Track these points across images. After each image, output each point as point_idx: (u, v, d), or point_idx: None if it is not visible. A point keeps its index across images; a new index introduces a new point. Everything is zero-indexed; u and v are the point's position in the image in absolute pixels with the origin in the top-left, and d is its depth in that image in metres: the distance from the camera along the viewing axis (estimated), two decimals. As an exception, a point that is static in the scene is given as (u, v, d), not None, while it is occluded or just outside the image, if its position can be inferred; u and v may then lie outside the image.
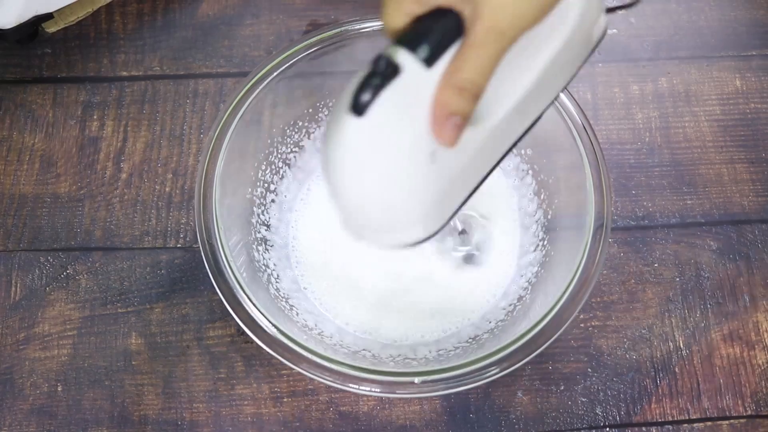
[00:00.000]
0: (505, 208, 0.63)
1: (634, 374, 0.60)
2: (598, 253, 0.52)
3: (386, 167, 0.38)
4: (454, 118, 0.37)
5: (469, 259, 0.61)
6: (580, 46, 0.43)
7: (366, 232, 0.43)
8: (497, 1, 0.36)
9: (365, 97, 0.36)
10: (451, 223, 0.46)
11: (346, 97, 0.37)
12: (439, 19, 0.38)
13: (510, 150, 0.44)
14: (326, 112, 0.62)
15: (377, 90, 0.36)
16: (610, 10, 0.72)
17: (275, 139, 0.61)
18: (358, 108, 0.36)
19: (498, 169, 0.63)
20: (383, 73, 0.36)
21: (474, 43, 0.37)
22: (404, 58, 0.37)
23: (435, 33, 0.37)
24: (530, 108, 0.43)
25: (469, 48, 0.37)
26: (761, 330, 0.61)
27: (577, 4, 0.41)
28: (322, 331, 0.57)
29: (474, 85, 0.37)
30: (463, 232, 0.60)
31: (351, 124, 0.37)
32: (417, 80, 0.37)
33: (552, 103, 0.45)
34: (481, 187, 0.45)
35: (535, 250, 0.59)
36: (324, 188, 0.41)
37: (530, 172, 0.61)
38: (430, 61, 0.37)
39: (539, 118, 0.45)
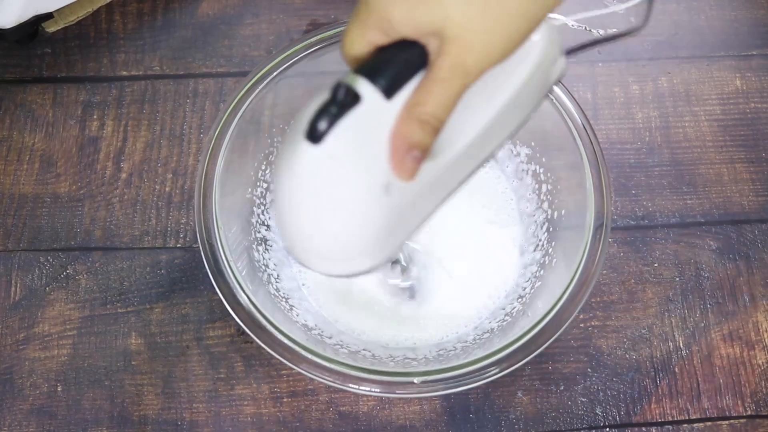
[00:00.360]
0: (505, 208, 0.63)
1: (634, 374, 0.60)
2: (598, 253, 0.52)
3: (338, 198, 0.38)
4: (414, 151, 0.37)
5: (409, 293, 0.60)
6: (538, 86, 0.43)
7: (311, 260, 0.42)
8: (465, 39, 0.36)
9: (322, 125, 0.36)
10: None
11: (302, 123, 0.37)
12: (403, 51, 0.37)
13: (458, 186, 0.44)
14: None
15: (335, 118, 0.36)
16: (606, 39, 0.72)
17: (275, 139, 0.61)
18: (315, 136, 0.36)
19: (497, 169, 0.64)
20: (342, 101, 0.36)
21: (438, 77, 0.37)
22: (364, 88, 0.36)
23: (397, 65, 0.37)
24: (485, 145, 0.43)
25: (432, 82, 0.37)
26: (761, 330, 0.61)
27: (538, 44, 0.41)
28: (322, 331, 0.57)
29: (436, 119, 0.37)
30: (406, 266, 0.59)
31: (306, 151, 0.36)
32: (375, 111, 0.37)
33: (504, 142, 0.44)
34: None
35: (534, 250, 0.59)
36: None
37: (530, 172, 0.61)
38: (390, 92, 0.37)
39: (491, 156, 0.44)
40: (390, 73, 0.37)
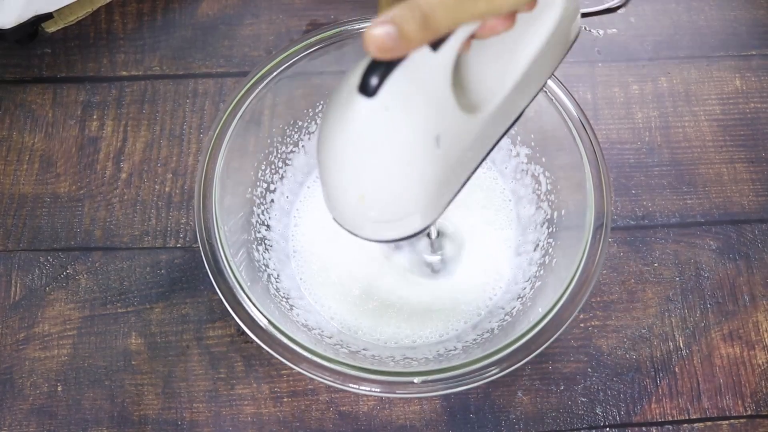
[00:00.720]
0: (504, 208, 0.63)
1: (634, 374, 0.60)
2: (598, 253, 0.52)
3: (393, 151, 0.38)
4: (390, 27, 0.34)
5: (437, 267, 0.61)
6: (560, 43, 0.44)
7: (363, 224, 0.42)
8: None
9: (375, 78, 0.36)
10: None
11: (353, 79, 0.37)
12: None
13: (499, 141, 0.45)
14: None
15: (387, 71, 0.36)
16: (600, 12, 0.72)
17: (275, 139, 0.61)
18: (368, 89, 0.36)
19: (496, 169, 0.64)
20: None
21: None
22: None
23: None
24: (518, 99, 0.44)
25: None
26: (761, 330, 0.61)
27: (558, 4, 0.42)
28: (322, 331, 0.57)
29: (431, 8, 0.34)
30: (437, 237, 0.60)
31: (360, 104, 0.37)
32: (423, 63, 0.37)
33: (534, 97, 0.46)
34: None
35: (534, 250, 0.59)
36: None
37: (529, 172, 0.61)
38: (436, 45, 0.37)
39: (524, 111, 0.46)
40: None
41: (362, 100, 0.37)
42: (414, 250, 0.61)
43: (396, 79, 0.36)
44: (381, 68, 0.36)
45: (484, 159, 0.45)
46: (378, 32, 0.34)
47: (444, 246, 0.61)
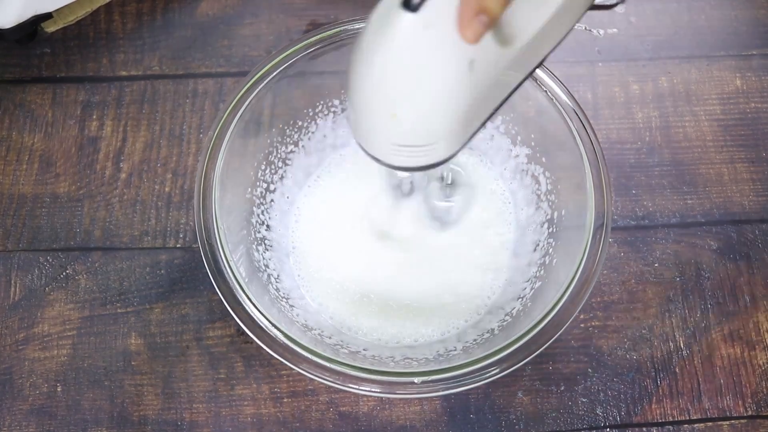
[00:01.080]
0: (503, 208, 0.63)
1: (635, 374, 0.60)
2: (599, 253, 0.52)
3: (431, 69, 0.38)
4: (483, 16, 0.37)
5: (446, 217, 0.60)
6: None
7: (388, 148, 0.42)
8: None
9: None
10: (440, 171, 0.46)
11: None
12: None
13: (522, 83, 0.46)
14: (326, 112, 0.62)
15: None
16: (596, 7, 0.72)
17: (275, 139, 0.61)
18: (412, 4, 0.36)
19: (495, 169, 0.64)
20: None
21: None
22: None
23: None
24: (542, 44, 0.45)
25: None
26: (762, 330, 0.61)
27: None
28: (322, 331, 0.57)
29: None
30: (450, 184, 0.60)
31: (402, 19, 0.37)
32: None
33: (560, 43, 0.46)
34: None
35: (534, 251, 0.59)
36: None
37: (530, 171, 0.61)
38: None
39: (548, 55, 0.46)
40: None
41: (404, 15, 0.37)
42: (425, 196, 0.60)
43: None
44: None
45: (507, 97, 0.45)
46: (477, 26, 0.37)
47: (455, 194, 0.60)
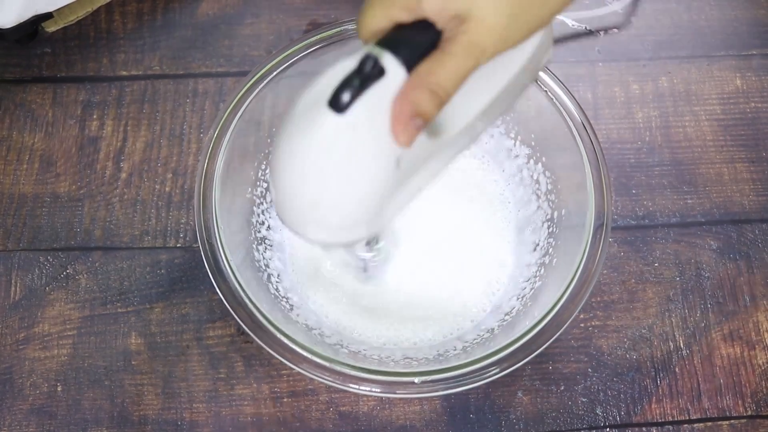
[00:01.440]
0: (503, 208, 0.63)
1: (635, 374, 0.60)
2: (599, 253, 0.52)
3: (354, 168, 0.38)
4: (418, 119, 0.37)
5: (368, 266, 0.59)
6: (531, 72, 0.45)
7: (308, 228, 0.42)
8: (489, 21, 0.37)
9: (347, 95, 0.36)
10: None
11: (322, 90, 0.37)
12: (422, 30, 0.38)
13: (447, 165, 0.45)
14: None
15: (360, 90, 0.36)
16: (591, 32, 0.72)
17: (275, 139, 0.61)
18: (339, 105, 0.36)
19: (496, 168, 0.64)
20: (369, 73, 0.36)
21: (454, 52, 0.37)
22: (389, 61, 0.37)
23: (419, 41, 0.38)
24: (482, 122, 0.45)
25: (447, 55, 0.37)
26: (761, 330, 0.61)
27: (536, 35, 0.42)
28: (322, 331, 0.57)
29: (444, 92, 0.37)
30: (374, 241, 0.59)
31: (328, 119, 0.37)
32: (396, 85, 0.37)
33: (490, 125, 0.47)
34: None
35: (534, 250, 0.59)
36: None
37: (530, 171, 0.61)
38: (411, 68, 0.37)
39: (477, 137, 0.46)
40: (413, 48, 0.37)
41: (330, 116, 0.36)
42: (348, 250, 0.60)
43: (367, 99, 0.36)
44: (354, 86, 0.36)
45: (435, 177, 0.45)
46: (411, 130, 0.37)
47: (377, 245, 0.60)
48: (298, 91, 0.39)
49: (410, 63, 0.37)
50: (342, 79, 0.36)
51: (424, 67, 0.37)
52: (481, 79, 0.41)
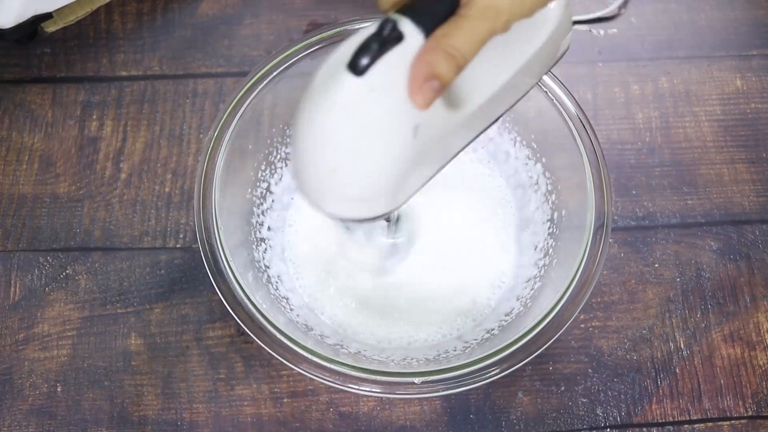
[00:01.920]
0: (503, 208, 0.63)
1: (635, 375, 0.60)
2: (599, 254, 0.52)
3: (372, 132, 0.39)
4: (435, 82, 0.37)
5: (392, 252, 0.60)
6: (548, 55, 0.45)
7: (327, 200, 0.42)
8: None
9: (366, 58, 0.36)
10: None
11: (342, 55, 0.37)
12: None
13: (471, 142, 0.46)
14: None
15: (379, 53, 0.36)
16: (590, 21, 0.72)
17: (275, 139, 0.61)
18: (358, 67, 0.36)
19: (496, 168, 0.64)
20: (387, 37, 0.36)
21: (471, 15, 0.37)
22: (407, 27, 0.37)
23: (437, 9, 0.38)
24: (500, 103, 0.45)
25: (464, 19, 0.38)
26: (762, 330, 0.61)
27: (555, 13, 0.43)
28: (322, 332, 0.57)
29: (461, 55, 0.37)
30: (396, 222, 0.59)
31: (347, 82, 0.37)
32: (413, 51, 0.37)
33: (513, 105, 0.47)
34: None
35: (535, 251, 0.59)
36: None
37: (530, 172, 0.61)
38: (429, 34, 0.38)
39: (501, 116, 0.47)
40: (431, 14, 0.38)
41: (349, 77, 0.37)
42: (369, 234, 0.60)
43: (386, 62, 0.37)
44: (373, 49, 0.36)
45: (453, 157, 0.45)
46: (427, 92, 0.37)
47: (399, 232, 0.60)
48: (322, 59, 0.40)
49: (428, 28, 0.37)
50: (361, 42, 0.37)
51: (441, 31, 0.37)
52: (499, 55, 0.42)
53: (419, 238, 0.61)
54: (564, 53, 0.47)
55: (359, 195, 0.41)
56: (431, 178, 0.45)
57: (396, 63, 0.37)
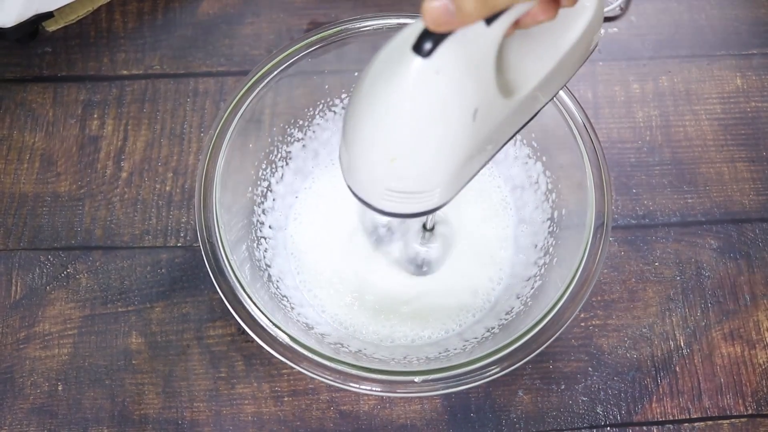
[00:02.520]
0: (503, 207, 0.63)
1: (635, 373, 0.60)
2: (599, 252, 0.52)
3: (436, 115, 0.38)
4: (448, 1, 0.35)
5: (423, 261, 0.60)
6: (584, 48, 0.46)
7: (383, 189, 0.41)
8: None
9: (431, 40, 0.36)
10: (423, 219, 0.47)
11: (407, 38, 0.37)
12: None
13: (516, 133, 0.46)
14: (326, 112, 0.62)
15: (443, 35, 0.36)
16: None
17: (276, 138, 0.61)
18: (424, 49, 0.36)
19: (496, 167, 0.64)
20: None
21: None
22: None
23: None
24: (545, 91, 0.45)
25: None
26: (762, 329, 0.61)
27: (591, 8, 0.44)
28: (323, 330, 0.57)
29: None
30: (431, 230, 0.59)
31: (413, 63, 0.37)
32: (476, 35, 0.37)
33: (556, 94, 0.48)
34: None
35: (534, 249, 0.59)
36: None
37: (530, 171, 0.61)
38: (489, 20, 0.37)
39: (540, 109, 0.47)
40: None
41: (416, 59, 0.37)
42: (404, 241, 0.60)
43: (450, 44, 0.36)
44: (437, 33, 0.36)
45: (499, 149, 0.46)
46: (436, 5, 0.35)
47: (435, 241, 0.60)
48: (382, 44, 0.39)
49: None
50: (424, 26, 0.36)
51: None
52: (543, 46, 0.43)
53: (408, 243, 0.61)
54: (596, 47, 0.47)
55: (418, 185, 0.41)
56: (478, 171, 0.45)
57: (460, 44, 0.37)
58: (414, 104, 0.38)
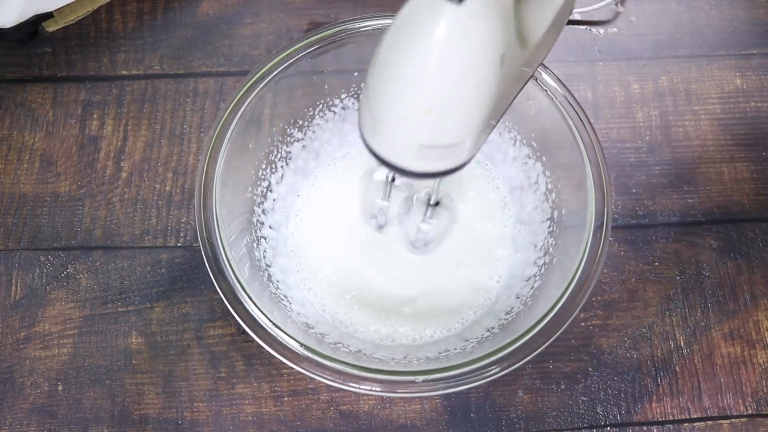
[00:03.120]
0: (503, 207, 0.63)
1: (635, 373, 0.60)
2: (599, 252, 0.52)
3: (472, 61, 0.38)
4: None
5: (426, 239, 0.60)
6: (567, 11, 0.47)
7: (414, 145, 0.40)
8: None
9: None
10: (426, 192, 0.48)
11: None
12: None
13: (522, 87, 0.47)
14: (326, 112, 0.62)
15: None
16: (590, 22, 0.72)
17: (275, 138, 0.61)
18: None
19: (495, 167, 0.64)
20: None
21: None
22: None
23: None
24: (540, 51, 0.46)
25: None
26: (762, 329, 0.61)
27: None
28: (323, 330, 0.57)
29: None
30: (435, 206, 0.59)
31: (449, 10, 0.36)
32: None
33: (543, 59, 0.49)
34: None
35: (534, 249, 0.59)
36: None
37: (530, 171, 0.61)
38: None
39: (538, 65, 0.49)
40: None
41: (449, 6, 0.36)
42: (407, 221, 0.60)
43: None
44: None
45: (509, 105, 0.46)
46: None
47: (437, 217, 0.60)
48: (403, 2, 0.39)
49: None
50: None
51: None
52: (543, 2, 0.44)
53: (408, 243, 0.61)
54: (569, 16, 0.48)
55: (453, 137, 0.40)
56: (494, 127, 0.45)
57: None
58: (451, 51, 0.37)
